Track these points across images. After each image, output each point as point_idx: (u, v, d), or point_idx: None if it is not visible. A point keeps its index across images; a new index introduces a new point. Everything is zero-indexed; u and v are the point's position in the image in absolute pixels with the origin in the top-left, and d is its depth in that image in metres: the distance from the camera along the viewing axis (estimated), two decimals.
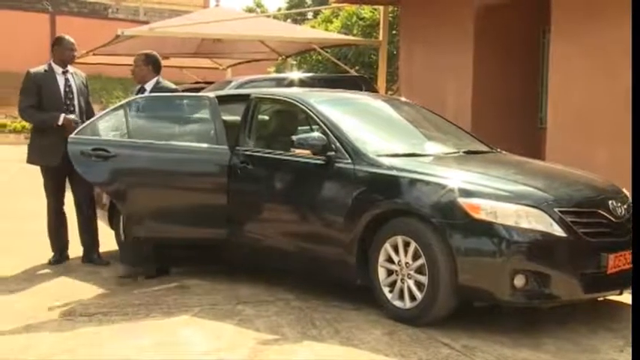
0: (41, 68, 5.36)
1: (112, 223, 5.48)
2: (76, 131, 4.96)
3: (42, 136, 5.23)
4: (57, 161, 5.14)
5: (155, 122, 5.37)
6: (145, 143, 4.95)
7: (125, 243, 5.05)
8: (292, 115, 4.94)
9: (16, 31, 21.94)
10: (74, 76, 5.43)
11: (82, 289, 4.62)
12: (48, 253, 5.35)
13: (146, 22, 20.51)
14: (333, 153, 4.26)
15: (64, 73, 5.34)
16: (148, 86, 5.03)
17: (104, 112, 5.26)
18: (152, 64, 5.11)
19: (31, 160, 5.30)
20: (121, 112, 5.17)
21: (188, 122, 5.35)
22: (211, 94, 5.08)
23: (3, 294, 4.51)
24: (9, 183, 9.48)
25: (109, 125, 5.25)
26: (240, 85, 8.86)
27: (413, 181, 3.91)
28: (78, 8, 25.92)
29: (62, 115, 5.14)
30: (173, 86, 5.26)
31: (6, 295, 4.49)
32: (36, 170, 5.32)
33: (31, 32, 22.33)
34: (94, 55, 13.01)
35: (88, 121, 5.10)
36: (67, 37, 5.44)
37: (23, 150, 5.65)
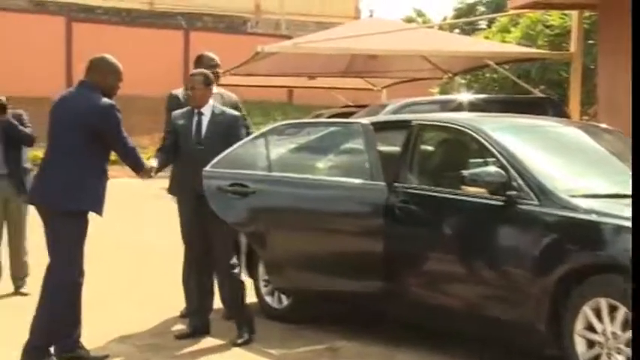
0: (179, 91, 5.74)
1: (251, 271, 5.69)
2: (212, 163, 5.25)
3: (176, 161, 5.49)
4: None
5: (299, 153, 5.58)
6: (287, 178, 5.15)
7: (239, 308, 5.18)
8: (462, 146, 4.93)
9: (147, 50, 23.66)
10: (221, 98, 5.63)
11: (218, 349, 4.83)
12: (181, 304, 5.63)
13: (288, 37, 21.32)
14: (514, 192, 4.19)
15: None
16: (206, 110, 5.16)
17: (243, 141, 5.53)
18: (210, 84, 5.22)
19: (169, 189, 5.66)
20: (262, 140, 5.42)
21: (338, 153, 5.50)
22: (365, 121, 5.18)
23: (131, 351, 4.80)
24: (140, 216, 10.13)
25: (248, 156, 5.51)
26: (398, 110, 8.95)
27: (619, 229, 3.75)
28: (214, 23, 27.53)
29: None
30: (236, 112, 5.35)
31: (135, 353, 4.77)
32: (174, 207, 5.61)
33: (162, 51, 24.00)
34: (230, 75, 13.63)
35: (225, 152, 5.37)
36: (207, 53, 5.79)
37: (160, 183, 6.03)
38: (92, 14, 26.04)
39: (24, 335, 4.46)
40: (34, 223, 4.55)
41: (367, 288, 4.80)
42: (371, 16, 16.15)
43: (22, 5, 25.23)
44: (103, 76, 4.58)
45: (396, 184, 4.81)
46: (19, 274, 6.30)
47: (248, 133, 5.70)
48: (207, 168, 5.19)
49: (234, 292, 5.10)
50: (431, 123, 5.12)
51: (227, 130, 5.17)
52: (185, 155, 5.14)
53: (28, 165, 6.37)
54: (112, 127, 4.52)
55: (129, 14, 26.73)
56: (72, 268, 4.44)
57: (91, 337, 4.70)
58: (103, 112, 4.49)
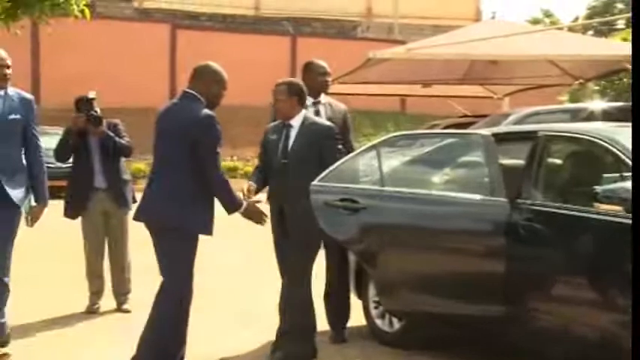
0: None
1: (360, 292, 5.71)
2: (320, 177, 5.31)
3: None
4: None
5: (413, 167, 5.57)
6: (400, 193, 5.15)
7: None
8: (595, 159, 4.80)
9: (252, 58, 24.18)
10: (329, 108, 5.77)
11: None
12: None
13: (402, 42, 21.36)
14: None
15: (315, 104, 5.72)
16: (295, 122, 5.16)
17: (352, 154, 5.58)
18: (297, 94, 5.18)
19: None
20: (373, 153, 5.45)
21: (455, 167, 5.46)
22: (486, 132, 5.13)
23: None
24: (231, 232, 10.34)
25: (358, 170, 5.56)
26: (522, 119, 8.82)
27: None
28: (323, 28, 27.91)
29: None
30: (328, 123, 5.29)
31: None
32: None
33: (268, 58, 24.47)
34: (339, 83, 13.73)
35: (333, 165, 5.42)
36: (317, 61, 5.87)
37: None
38: (196, 21, 26.90)
39: (125, 351, 4.63)
40: (137, 238, 4.71)
41: (486, 312, 4.73)
42: (493, 17, 15.91)
43: (127, 13, 26.30)
44: (206, 85, 4.63)
45: (519, 201, 4.72)
46: (120, 291, 6.53)
47: (348, 148, 5.69)
48: (315, 182, 5.25)
49: (296, 313, 5.07)
50: (559, 134, 5.00)
51: (317, 143, 5.15)
52: (272, 170, 5.18)
53: (127, 176, 6.60)
54: (209, 140, 4.53)
55: (234, 20, 27.45)
56: (183, 286, 4.55)
57: (191, 357, 4.83)
58: (203, 124, 4.52)
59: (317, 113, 5.68)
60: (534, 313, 4.56)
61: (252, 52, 24.48)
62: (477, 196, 4.85)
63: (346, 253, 5.55)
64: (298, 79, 5.34)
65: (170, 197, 4.53)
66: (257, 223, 4.83)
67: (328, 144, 5.21)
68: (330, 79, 5.86)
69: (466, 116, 13.19)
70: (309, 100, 5.70)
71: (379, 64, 11.97)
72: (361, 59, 12.16)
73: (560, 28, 17.31)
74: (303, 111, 5.21)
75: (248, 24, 27.28)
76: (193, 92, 4.62)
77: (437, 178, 5.45)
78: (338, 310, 5.60)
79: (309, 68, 5.82)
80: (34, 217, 5.13)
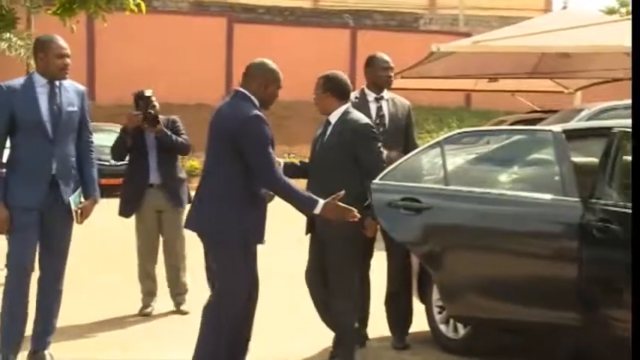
0: (352, 95, 5.82)
1: (423, 296, 5.67)
2: (381, 175, 5.28)
3: None
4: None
5: (480, 165, 5.52)
6: (465, 192, 5.09)
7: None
8: None
9: (311, 52, 24.22)
10: (392, 104, 5.72)
11: None
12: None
13: (467, 35, 21.18)
14: None
15: (378, 99, 5.69)
16: (333, 118, 5.06)
17: (415, 151, 5.54)
18: (332, 89, 5.05)
19: None
20: (437, 150, 5.40)
21: (524, 165, 5.40)
22: (557, 128, 5.04)
23: None
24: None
25: (421, 168, 5.52)
26: (596, 115, 8.67)
27: None
28: (384, 21, 27.82)
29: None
30: (365, 120, 5.12)
31: None
32: None
33: (327, 52, 24.49)
34: (401, 78, 13.69)
35: (395, 163, 5.39)
36: (380, 54, 5.81)
37: None
38: (254, 14, 27.05)
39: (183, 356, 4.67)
40: (193, 236, 4.71)
41: (558, 319, 4.65)
42: (564, 8, 15.66)
43: (183, 7, 26.59)
44: (258, 84, 4.50)
45: (592, 201, 4.64)
46: (177, 291, 6.57)
47: (412, 146, 5.64)
48: (377, 180, 5.23)
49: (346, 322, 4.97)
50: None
51: (351, 141, 4.99)
52: (310, 168, 5.16)
53: (182, 175, 6.64)
54: (255, 142, 4.35)
55: (292, 13, 27.54)
56: (239, 295, 4.43)
57: None
58: (247, 124, 4.35)
59: (379, 109, 5.66)
60: (610, 321, 4.47)
61: (311, 46, 24.52)
62: (548, 196, 4.78)
63: (409, 255, 5.50)
64: (339, 73, 5.18)
65: (215, 202, 4.41)
66: (345, 218, 4.42)
67: (363, 142, 5.03)
68: (393, 73, 5.82)
69: (535, 112, 13.02)
70: (372, 96, 5.68)
71: (443, 57, 11.88)
72: (424, 53, 12.09)
73: None
74: (344, 106, 5.08)
75: (307, 17, 27.34)
76: (244, 91, 4.50)
77: (504, 176, 5.39)
78: (400, 315, 5.56)
79: (371, 62, 5.79)
80: (84, 214, 4.97)
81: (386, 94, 5.77)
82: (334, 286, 4.95)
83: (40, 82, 4.81)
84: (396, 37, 24.67)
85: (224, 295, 4.43)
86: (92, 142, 5.07)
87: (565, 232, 4.63)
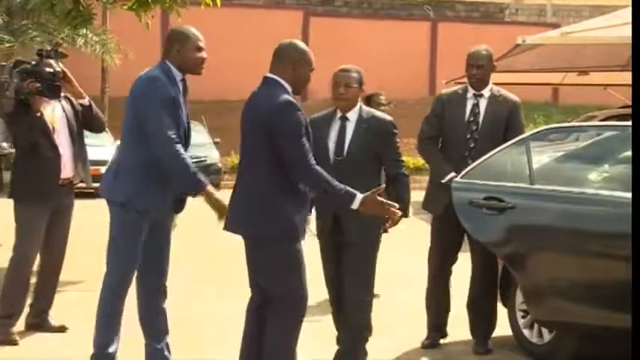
0: (451, 90, 5.79)
1: (506, 299, 5.64)
2: (463, 173, 5.28)
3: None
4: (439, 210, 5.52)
5: (569, 163, 5.46)
6: (553, 191, 5.05)
7: None
8: None
9: (390, 45, 24.18)
10: (494, 102, 5.58)
11: None
12: (423, 332, 5.72)
13: (556, 26, 20.86)
14: None
15: (476, 96, 5.60)
16: (352, 115, 4.95)
17: (499, 148, 5.51)
18: (361, 83, 4.96)
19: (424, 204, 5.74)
20: (522, 148, 5.36)
21: (615, 163, 5.32)
22: None
23: None
24: None
25: (506, 166, 5.48)
26: None
27: None
28: (466, 12, 27.60)
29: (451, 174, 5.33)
30: (388, 117, 5.05)
31: None
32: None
33: (407, 45, 24.42)
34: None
35: (477, 161, 5.38)
36: (479, 47, 5.71)
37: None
38: (331, 7, 27.16)
39: None
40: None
41: None
42: None
43: (260, 0, 26.83)
44: (286, 67, 4.26)
45: None
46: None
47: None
48: (458, 179, 5.22)
49: (355, 334, 4.96)
50: None
51: (379, 138, 4.93)
52: (326, 168, 4.61)
53: None
54: (287, 130, 4.13)
55: (370, 6, 27.55)
56: (304, 295, 4.28)
57: None
58: (278, 111, 4.16)
59: (474, 106, 5.55)
60: None
61: (390, 40, 24.50)
62: None
63: (494, 257, 5.48)
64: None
65: (249, 200, 4.24)
66: (385, 215, 4.33)
67: (391, 140, 4.97)
68: (481, 71, 5.63)
69: (628, 106, 12.77)
70: (471, 92, 5.58)
71: (530, 50, 11.78)
72: (509, 45, 12.00)
73: None
74: (360, 102, 5.04)
75: (385, 9, 27.32)
76: (273, 76, 4.27)
77: (593, 175, 5.32)
78: (481, 319, 5.55)
79: (475, 57, 5.66)
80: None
81: (488, 90, 5.63)
82: (360, 284, 4.90)
83: (178, 76, 4.58)
84: (479, 29, 24.45)
85: (288, 300, 4.25)
86: None
87: None
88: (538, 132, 5.64)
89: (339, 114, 4.98)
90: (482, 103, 5.58)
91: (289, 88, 4.25)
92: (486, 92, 5.62)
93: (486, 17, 27.35)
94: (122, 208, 4.52)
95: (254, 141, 4.24)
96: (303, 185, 4.24)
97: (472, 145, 5.51)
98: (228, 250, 5.24)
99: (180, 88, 4.57)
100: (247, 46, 23.88)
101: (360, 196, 4.15)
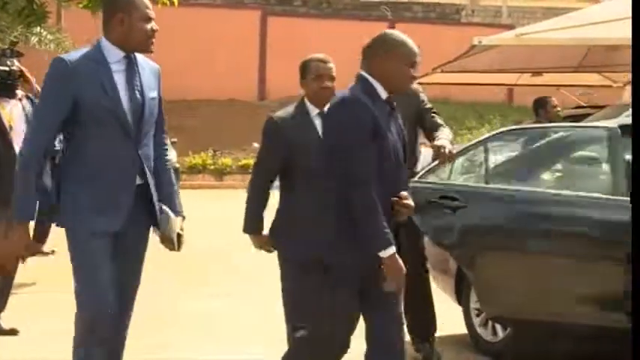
0: None
1: (460, 298, 5.67)
2: (420, 174, 5.29)
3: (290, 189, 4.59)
4: None
5: (526, 164, 5.51)
6: (504, 191, 5.08)
7: None
8: None
9: (348, 46, 24.22)
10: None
11: None
12: None
13: (511, 27, 21.03)
14: None
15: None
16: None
17: (461, 148, 5.55)
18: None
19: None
20: (481, 149, 5.40)
21: (572, 163, 5.38)
22: (612, 124, 5.00)
23: None
24: None
25: (463, 166, 5.52)
26: None
27: None
28: (424, 13, 27.75)
29: None
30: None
31: None
32: None
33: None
34: (442, 72, 13.66)
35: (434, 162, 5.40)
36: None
37: None
38: (289, 7, 27.12)
39: None
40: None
41: (604, 322, 4.62)
42: None
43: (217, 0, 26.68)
44: (372, 61, 3.60)
45: None
46: None
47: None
48: (416, 178, 5.24)
49: None
50: None
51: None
52: (305, 178, 4.19)
53: None
54: (337, 137, 3.48)
55: (329, 5, 27.56)
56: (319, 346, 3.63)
57: None
58: (331, 113, 3.60)
59: None
60: None
61: (348, 39, 24.46)
62: (594, 195, 4.76)
63: (424, 261, 5.30)
64: None
65: (312, 222, 3.65)
66: (393, 280, 3.46)
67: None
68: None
69: (581, 107, 12.92)
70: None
71: (485, 51, 11.82)
72: (465, 46, 12.05)
73: None
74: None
75: (344, 9, 27.36)
76: (362, 73, 3.62)
77: (547, 175, 5.38)
78: (417, 322, 5.25)
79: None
80: (180, 238, 3.79)
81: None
82: None
83: (116, 55, 3.64)
84: (436, 29, 24.61)
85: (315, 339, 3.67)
86: (167, 144, 3.95)
87: (614, 232, 4.60)
88: (497, 134, 5.71)
89: (314, 110, 4.36)
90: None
91: (377, 88, 3.55)
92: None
93: (443, 18, 27.51)
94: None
95: (326, 150, 3.65)
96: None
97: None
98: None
99: (123, 67, 3.64)
100: (204, 45, 23.75)
101: (392, 250, 3.41)
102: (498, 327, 5.36)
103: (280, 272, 4.39)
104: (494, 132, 5.72)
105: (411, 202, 3.55)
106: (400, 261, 3.44)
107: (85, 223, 3.55)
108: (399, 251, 3.46)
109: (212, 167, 19.42)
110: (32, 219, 3.66)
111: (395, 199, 3.50)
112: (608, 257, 4.62)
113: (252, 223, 4.41)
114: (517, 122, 14.99)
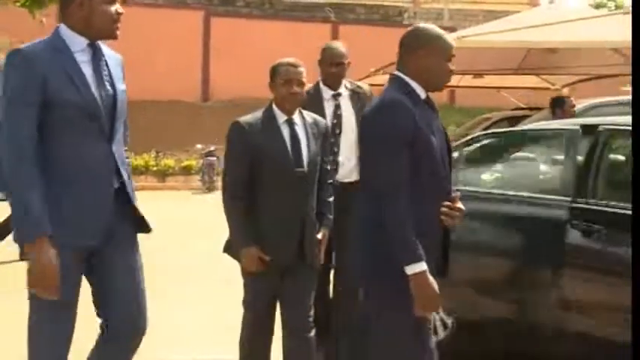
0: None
1: None
2: None
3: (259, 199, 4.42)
4: None
5: (488, 166, 5.60)
6: (466, 192, 5.15)
7: None
8: None
9: (291, 47, 24.21)
10: (354, 99, 5.29)
11: None
12: None
13: (452, 29, 21.24)
14: None
15: (335, 97, 5.28)
16: (297, 119, 4.31)
17: None
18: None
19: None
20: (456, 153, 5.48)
21: (507, 164, 5.47)
22: (574, 125, 5.10)
23: None
24: None
25: None
26: (582, 112, 8.75)
27: None
28: (367, 15, 27.90)
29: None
30: (324, 120, 4.53)
31: None
32: None
33: (308, 47, 24.50)
34: (383, 73, 13.72)
35: None
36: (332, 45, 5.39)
37: None
38: (232, 7, 27.03)
39: None
40: None
41: (536, 320, 4.69)
42: (552, 2, 15.76)
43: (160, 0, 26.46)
44: (406, 58, 3.36)
45: (578, 200, 4.68)
46: None
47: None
48: None
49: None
50: (622, 128, 4.94)
51: (321, 145, 4.32)
52: (280, 186, 4.12)
53: None
54: (369, 144, 3.27)
55: (272, 6, 27.53)
56: None
57: None
58: (367, 116, 3.34)
59: (337, 108, 5.20)
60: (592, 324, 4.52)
61: (291, 41, 24.50)
62: (538, 195, 4.86)
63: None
64: None
65: (357, 242, 3.33)
66: (419, 303, 3.15)
67: (326, 143, 4.43)
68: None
69: (520, 109, 13.11)
70: (328, 93, 5.25)
71: None
72: None
73: (628, 13, 17.04)
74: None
75: (287, 10, 27.36)
76: (397, 73, 3.39)
77: (505, 176, 5.51)
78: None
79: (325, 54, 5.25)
80: None
81: (344, 87, 5.26)
82: None
83: (79, 44, 3.25)
84: (379, 31, 24.73)
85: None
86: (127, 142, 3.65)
87: (551, 231, 4.68)
88: (469, 139, 5.84)
89: (282, 117, 4.21)
90: (343, 103, 5.24)
91: (414, 87, 3.33)
92: (343, 90, 5.28)
93: (386, 20, 27.69)
94: None
95: (361, 160, 3.50)
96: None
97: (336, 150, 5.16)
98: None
99: (88, 57, 3.26)
100: (147, 46, 23.53)
101: (424, 265, 3.13)
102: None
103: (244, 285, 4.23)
104: (468, 137, 5.85)
105: (462, 205, 3.34)
106: (434, 284, 3.14)
107: (56, 239, 3.06)
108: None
109: (155, 168, 19.25)
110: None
111: (446, 203, 3.28)
112: (544, 255, 4.70)
113: (240, 237, 4.10)
114: (458, 124, 15.16)
